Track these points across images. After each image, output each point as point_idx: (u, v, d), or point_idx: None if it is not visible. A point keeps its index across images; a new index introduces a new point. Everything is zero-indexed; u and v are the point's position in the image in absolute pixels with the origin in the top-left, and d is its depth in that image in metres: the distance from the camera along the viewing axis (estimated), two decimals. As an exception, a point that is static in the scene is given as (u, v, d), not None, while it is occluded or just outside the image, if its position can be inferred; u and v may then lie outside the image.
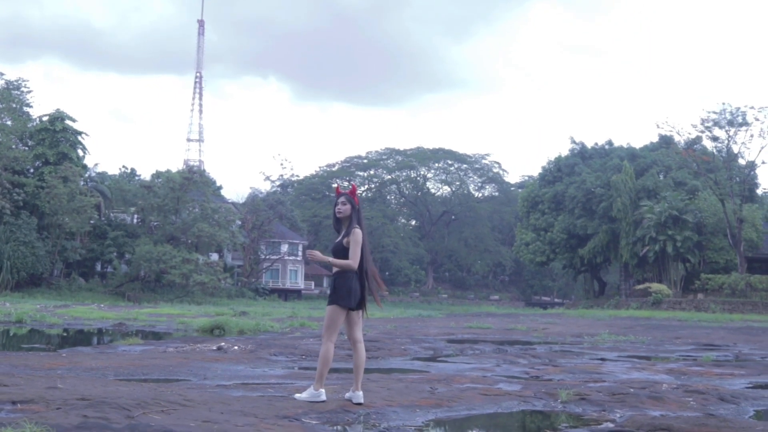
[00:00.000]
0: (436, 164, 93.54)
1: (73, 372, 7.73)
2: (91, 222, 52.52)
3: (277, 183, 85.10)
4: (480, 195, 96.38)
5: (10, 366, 7.94)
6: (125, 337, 14.39)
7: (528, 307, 67.30)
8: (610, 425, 5.36)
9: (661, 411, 5.99)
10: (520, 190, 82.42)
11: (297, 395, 5.83)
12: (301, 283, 75.37)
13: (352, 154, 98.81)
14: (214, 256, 59.98)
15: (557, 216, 61.79)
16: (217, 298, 51.70)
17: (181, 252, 51.13)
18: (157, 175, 59.04)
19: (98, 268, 56.88)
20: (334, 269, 5.79)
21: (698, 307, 43.57)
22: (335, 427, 4.98)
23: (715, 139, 50.62)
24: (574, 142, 67.19)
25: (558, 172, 63.85)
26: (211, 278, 51.22)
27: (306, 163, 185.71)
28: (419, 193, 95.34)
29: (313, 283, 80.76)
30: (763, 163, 50.94)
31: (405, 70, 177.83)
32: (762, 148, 49.70)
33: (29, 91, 53.32)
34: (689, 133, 53.10)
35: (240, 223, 62.26)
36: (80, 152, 54.59)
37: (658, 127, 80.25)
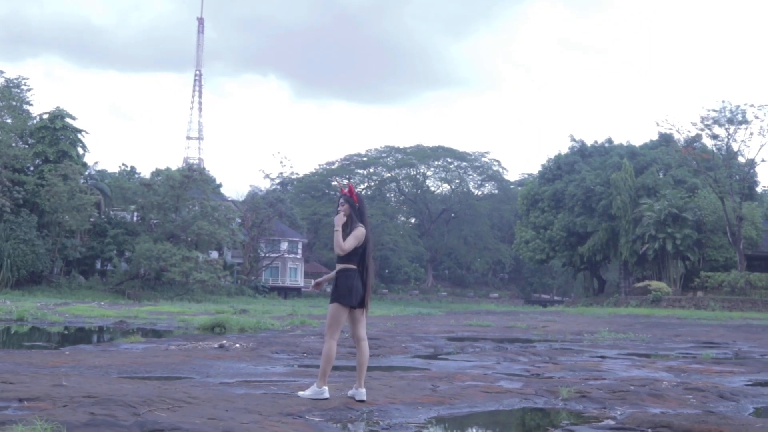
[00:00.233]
0: (436, 162, 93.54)
1: (77, 370, 7.78)
2: (91, 220, 52.54)
3: (277, 181, 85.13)
4: (480, 193, 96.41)
5: (14, 364, 7.98)
6: (126, 335, 14.42)
7: (527, 305, 67.34)
8: (611, 422, 5.40)
9: (661, 408, 6.04)
10: (519, 188, 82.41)
11: (300, 393, 5.88)
12: (300, 281, 75.41)
13: (351, 152, 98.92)
14: (214, 254, 60.00)
15: (557, 214, 61.83)
16: (217, 296, 51.73)
17: (180, 250, 51.17)
18: (157, 173, 59.04)
19: (98, 266, 56.91)
20: (337, 267, 5.83)
21: (698, 305, 43.64)
22: (339, 424, 5.02)
23: (714, 137, 50.69)
24: (573, 139, 67.25)
25: (558, 169, 63.87)
26: (211, 276, 51.28)
27: (306, 160, 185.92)
28: (419, 191, 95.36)
29: (312, 280, 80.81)
30: (763, 161, 51.08)
31: (405, 67, 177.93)
32: (762, 146, 49.78)
33: (29, 89, 53.35)
34: (689, 131, 53.19)
35: (240, 221, 62.28)
36: (80, 150, 54.57)
37: (657, 125, 79.99)
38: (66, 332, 16.20)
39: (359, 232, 5.72)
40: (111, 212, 58.85)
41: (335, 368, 7.80)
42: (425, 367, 9.48)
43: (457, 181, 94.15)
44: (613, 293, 58.69)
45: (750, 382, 8.44)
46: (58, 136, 52.20)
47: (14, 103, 50.68)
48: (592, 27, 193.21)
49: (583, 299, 61.31)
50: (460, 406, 5.96)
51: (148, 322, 20.41)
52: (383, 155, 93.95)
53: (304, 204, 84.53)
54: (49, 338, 14.20)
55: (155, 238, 52.75)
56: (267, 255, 68.62)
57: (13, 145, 49.64)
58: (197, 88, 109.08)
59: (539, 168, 67.81)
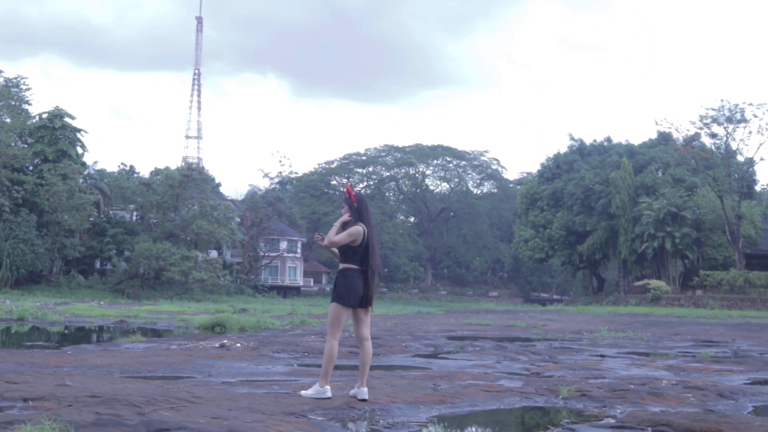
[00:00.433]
0: (435, 161, 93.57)
1: (80, 369, 7.81)
2: (91, 219, 52.56)
3: (276, 180, 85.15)
4: (479, 192, 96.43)
5: (16, 364, 8.01)
6: (127, 334, 14.45)
7: (527, 304, 67.35)
8: (611, 421, 5.44)
9: (661, 407, 6.07)
10: (518, 187, 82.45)
11: (303, 392, 5.91)
12: (300, 280, 75.46)
13: (350, 151, 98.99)
14: (213, 253, 60.02)
15: (556, 213, 61.89)
16: (216, 295, 51.74)
17: (180, 249, 51.19)
18: (156, 172, 59.05)
19: (97, 265, 56.92)
20: (339, 266, 5.86)
21: (697, 304, 43.69)
22: (342, 423, 5.05)
23: (713, 135, 50.77)
24: (572, 138, 67.32)
25: (557, 168, 63.93)
26: (211, 275, 51.29)
27: (305, 160, 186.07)
28: (418, 190, 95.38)
29: (312, 280, 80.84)
30: (762, 159, 51.43)
31: (403, 66, 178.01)
32: (760, 144, 49.93)
33: (28, 89, 53.36)
34: (688, 130, 53.29)
35: (239, 220, 62.29)
36: (79, 149, 54.59)
37: (656, 123, 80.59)
38: (67, 332, 16.23)
39: (354, 230, 5.73)
40: (110, 212, 58.88)
41: (336, 367, 7.83)
42: (426, 366, 9.51)
43: (456, 180, 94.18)
44: (612, 292, 58.76)
45: (749, 381, 8.48)
46: (57, 136, 52.20)
47: (13, 103, 50.70)
48: (591, 26, 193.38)
49: (582, 298, 61.38)
50: (461, 405, 6.00)
51: (149, 321, 20.43)
52: (382, 154, 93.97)
53: (303, 203, 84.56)
54: (51, 338, 14.23)
55: (154, 238, 52.77)
56: (266, 254, 68.64)
57: (13, 144, 49.66)
58: (196, 87, 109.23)
59: (538, 167, 67.98)
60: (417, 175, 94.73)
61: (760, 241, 50.24)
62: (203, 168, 74.08)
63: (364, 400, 5.69)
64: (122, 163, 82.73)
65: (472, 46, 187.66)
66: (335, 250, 5.88)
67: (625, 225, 54.87)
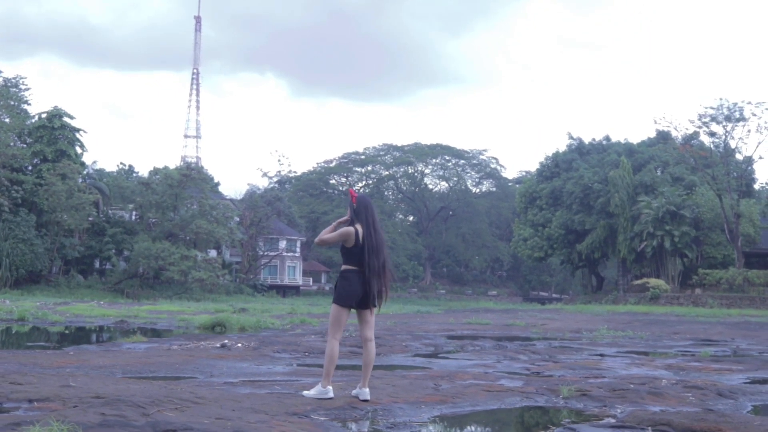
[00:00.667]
0: (434, 160, 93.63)
1: (83, 370, 7.84)
2: (90, 219, 52.58)
3: (275, 179, 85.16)
4: (478, 191, 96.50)
5: (19, 364, 8.04)
6: (128, 334, 14.48)
7: (526, 303, 67.39)
8: (612, 420, 5.47)
9: (660, 406, 6.10)
10: (517, 186, 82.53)
11: (305, 392, 5.94)
12: (299, 280, 75.49)
13: (349, 150, 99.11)
14: (213, 253, 60.04)
15: (555, 211, 61.94)
16: (216, 294, 51.75)
17: (179, 249, 51.20)
18: (155, 171, 59.07)
19: (97, 265, 56.94)
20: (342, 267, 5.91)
21: (696, 303, 43.74)
22: (344, 424, 5.09)
23: (712, 134, 50.83)
24: (571, 137, 67.40)
25: (556, 167, 63.98)
26: (210, 275, 51.31)
27: (304, 159, 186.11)
28: (417, 189, 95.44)
29: (311, 279, 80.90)
30: (761, 158, 51.38)
31: (402, 65, 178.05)
32: (759, 143, 50.04)
33: (27, 89, 53.44)
34: (687, 129, 53.42)
35: (238, 219, 62.33)
36: (78, 149, 54.60)
37: (655, 122, 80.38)
38: (68, 332, 16.26)
39: (344, 230, 5.76)
40: (109, 211, 58.91)
41: (338, 367, 7.87)
42: (426, 366, 9.54)
43: (455, 178, 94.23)
44: (611, 291, 58.80)
45: (748, 380, 8.51)
46: (56, 136, 52.21)
47: (12, 103, 50.72)
48: (590, 24, 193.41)
49: (581, 297, 61.41)
50: (462, 405, 6.03)
51: (149, 321, 20.44)
52: (381, 153, 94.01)
53: (302, 202, 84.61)
54: (52, 338, 14.25)
55: (154, 237, 52.79)
56: (265, 253, 68.67)
57: (12, 144, 49.67)
58: (195, 87, 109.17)
59: (537, 166, 68.06)
60: (416, 174, 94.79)
61: (759, 240, 50.30)
62: (202, 167, 74.12)
63: (366, 401, 5.72)
64: (121, 163, 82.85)
65: (470, 45, 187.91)
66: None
67: (624, 224, 54.92)
